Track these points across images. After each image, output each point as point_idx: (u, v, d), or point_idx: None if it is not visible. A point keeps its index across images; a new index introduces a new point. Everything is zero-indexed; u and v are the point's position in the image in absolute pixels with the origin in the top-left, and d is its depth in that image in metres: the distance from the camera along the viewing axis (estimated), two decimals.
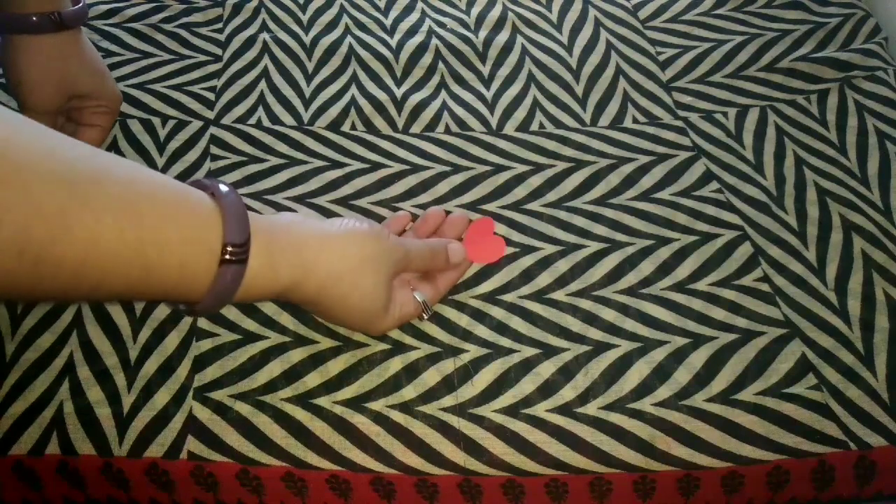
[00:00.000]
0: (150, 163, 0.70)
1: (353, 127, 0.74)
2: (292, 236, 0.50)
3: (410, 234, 0.64)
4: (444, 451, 0.55)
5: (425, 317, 0.60)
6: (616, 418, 0.56)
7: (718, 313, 0.61)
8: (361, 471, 0.55)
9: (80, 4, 0.64)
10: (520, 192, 0.69)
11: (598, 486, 0.55)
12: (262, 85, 0.78)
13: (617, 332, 0.60)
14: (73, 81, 0.66)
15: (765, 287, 0.63)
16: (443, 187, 0.69)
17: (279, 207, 0.68)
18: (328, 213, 0.67)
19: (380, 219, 0.67)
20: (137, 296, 0.44)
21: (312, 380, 0.58)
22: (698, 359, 0.59)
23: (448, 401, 0.57)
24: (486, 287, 0.63)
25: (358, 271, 0.52)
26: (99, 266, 0.39)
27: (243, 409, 0.56)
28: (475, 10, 0.87)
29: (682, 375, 0.58)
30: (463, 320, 0.61)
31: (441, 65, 0.80)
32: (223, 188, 0.46)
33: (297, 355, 0.59)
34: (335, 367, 0.58)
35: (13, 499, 0.56)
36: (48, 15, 0.61)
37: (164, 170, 0.70)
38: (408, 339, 0.60)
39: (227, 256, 0.44)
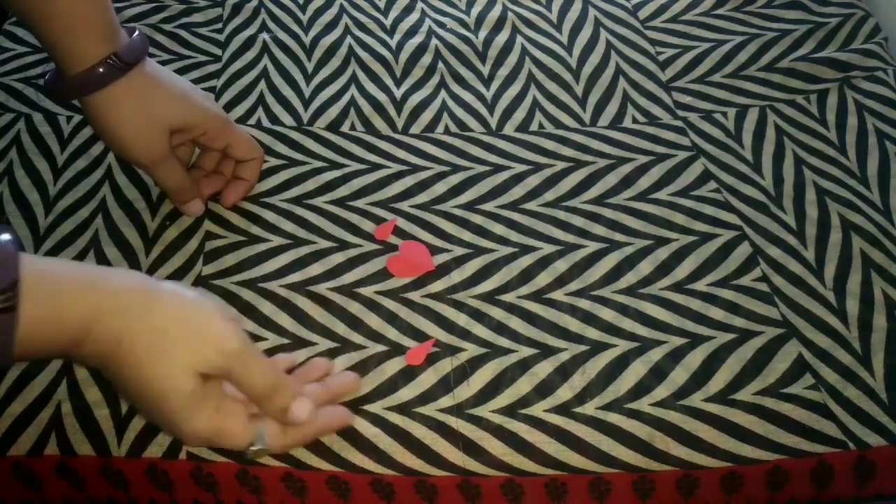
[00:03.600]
0: None
1: (353, 127, 0.74)
2: (84, 278, 0.44)
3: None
4: (442, 451, 0.55)
5: (248, 452, 0.49)
6: (614, 418, 0.56)
7: (717, 313, 0.61)
8: (361, 472, 0.55)
9: (135, 35, 0.60)
10: (518, 192, 0.69)
11: (597, 486, 0.55)
12: (262, 85, 0.78)
13: (615, 332, 0.60)
14: (163, 118, 0.61)
15: (763, 287, 0.63)
16: (440, 187, 0.69)
17: (277, 210, 0.68)
18: (326, 214, 0.67)
19: (379, 220, 0.67)
20: None
21: None
22: (695, 359, 0.59)
23: (446, 402, 0.57)
24: (485, 287, 0.63)
25: (163, 337, 0.44)
26: None
27: None
28: (475, 10, 0.87)
29: (679, 375, 0.58)
30: (461, 319, 0.61)
31: (441, 65, 0.80)
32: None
33: (295, 357, 0.59)
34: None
35: (13, 499, 0.56)
36: (106, 62, 0.57)
37: None
38: (406, 340, 0.60)
39: None
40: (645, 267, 0.64)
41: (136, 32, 0.60)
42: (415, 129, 0.74)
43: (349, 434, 0.55)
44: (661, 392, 0.57)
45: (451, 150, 0.73)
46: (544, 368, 0.58)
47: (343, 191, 0.69)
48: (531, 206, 0.69)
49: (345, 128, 0.74)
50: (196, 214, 0.66)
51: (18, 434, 0.55)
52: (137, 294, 0.44)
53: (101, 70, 0.57)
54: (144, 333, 0.43)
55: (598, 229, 0.67)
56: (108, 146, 0.63)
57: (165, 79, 0.62)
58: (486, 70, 0.80)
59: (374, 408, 0.57)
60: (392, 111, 0.76)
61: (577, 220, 0.67)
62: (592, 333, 0.60)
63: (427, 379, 0.58)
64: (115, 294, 0.43)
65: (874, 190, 0.69)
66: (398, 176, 0.70)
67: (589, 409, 0.57)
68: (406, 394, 0.57)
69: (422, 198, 0.69)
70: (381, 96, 0.77)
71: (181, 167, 0.64)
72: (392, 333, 0.60)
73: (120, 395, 0.53)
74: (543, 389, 0.57)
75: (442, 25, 0.85)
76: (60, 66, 0.58)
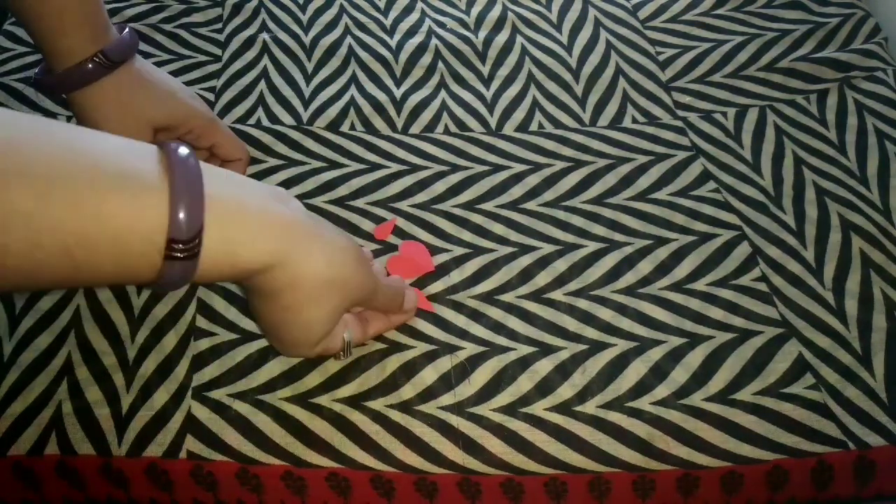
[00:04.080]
0: None
1: (353, 127, 0.74)
2: (269, 218, 0.44)
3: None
4: (443, 449, 0.55)
5: (341, 357, 0.57)
6: (615, 417, 0.56)
7: (716, 313, 0.61)
8: (361, 469, 0.55)
9: (125, 33, 0.61)
10: (517, 192, 0.70)
11: (597, 485, 0.55)
12: (262, 85, 0.78)
13: (614, 332, 0.60)
14: (146, 115, 0.62)
15: (763, 287, 0.63)
16: (440, 187, 0.70)
17: None
18: (325, 214, 0.67)
19: (378, 219, 0.67)
20: (75, 285, 0.46)
21: (312, 379, 0.58)
22: (695, 358, 0.59)
23: (446, 399, 0.57)
24: (485, 287, 0.63)
25: (328, 287, 0.48)
26: (16, 270, 0.35)
27: (242, 408, 0.56)
28: (475, 10, 0.87)
29: (679, 375, 0.58)
30: (460, 320, 0.61)
31: (441, 65, 0.81)
32: (182, 154, 0.40)
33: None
34: (334, 365, 0.58)
35: (12, 499, 0.56)
36: (92, 59, 0.58)
37: None
38: (404, 339, 0.60)
39: (173, 253, 0.38)
40: (644, 267, 0.64)
41: (126, 30, 0.61)
42: (414, 129, 0.74)
43: (350, 430, 0.56)
44: (662, 391, 0.57)
45: (451, 149, 0.73)
46: (544, 366, 0.58)
47: (343, 190, 0.69)
48: (531, 205, 0.69)
49: (344, 127, 0.74)
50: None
51: (19, 434, 0.55)
52: (304, 241, 0.46)
53: (88, 67, 0.58)
54: (307, 280, 0.46)
55: (598, 229, 0.67)
56: None
57: (153, 77, 0.62)
58: (485, 70, 0.80)
59: (376, 405, 0.57)
60: (392, 111, 0.76)
61: (577, 220, 0.67)
62: (591, 333, 0.60)
63: (428, 376, 0.58)
64: (290, 241, 0.45)
65: (874, 190, 0.69)
66: (398, 175, 0.70)
67: (589, 407, 0.57)
68: (407, 391, 0.57)
69: (421, 197, 0.69)
70: (381, 96, 0.77)
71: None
72: (390, 332, 0.60)
73: (255, 313, 0.51)
74: (544, 388, 0.57)
75: (442, 25, 0.85)
76: (49, 61, 0.59)
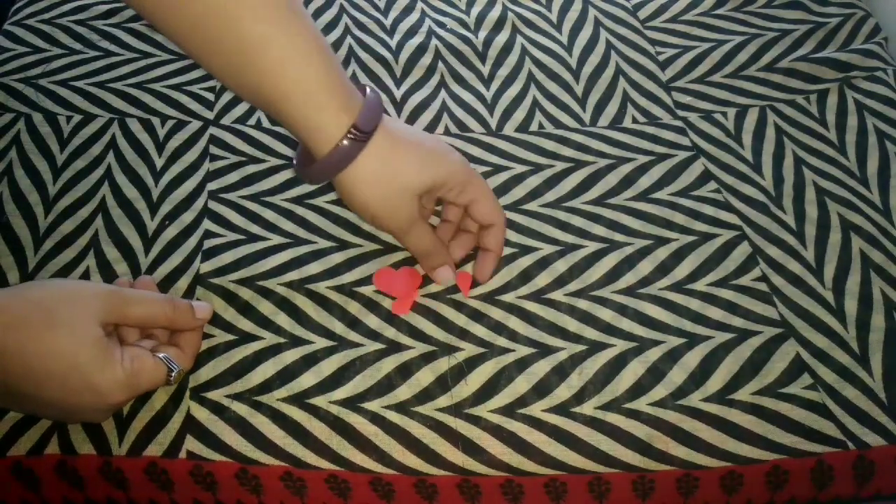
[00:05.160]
0: (149, 162, 0.70)
1: None
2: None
3: None
4: (442, 451, 0.55)
5: (171, 379, 0.55)
6: (613, 418, 0.56)
7: (715, 313, 0.61)
8: (360, 471, 0.55)
9: (369, 94, 0.57)
10: (518, 193, 0.69)
11: (596, 485, 0.55)
12: None
13: (613, 332, 0.60)
14: (410, 183, 0.57)
15: (762, 287, 0.63)
16: None
17: (277, 209, 0.68)
18: (326, 214, 0.67)
19: None
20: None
21: (307, 380, 0.58)
22: (693, 358, 0.59)
23: (443, 401, 0.57)
24: (485, 287, 0.63)
25: (72, 303, 0.50)
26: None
27: (241, 409, 0.56)
28: (475, 10, 0.87)
29: (677, 375, 0.58)
30: (461, 320, 0.61)
31: (441, 65, 0.81)
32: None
33: (290, 356, 0.59)
34: (328, 367, 0.58)
35: (12, 499, 0.56)
36: (346, 135, 0.54)
37: (163, 170, 0.70)
38: (403, 339, 0.60)
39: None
40: (644, 267, 0.64)
41: (369, 91, 0.57)
42: None
43: (348, 432, 0.56)
44: (660, 392, 0.57)
45: None
46: (542, 368, 0.58)
47: None
48: (531, 206, 0.69)
49: None
50: (448, 283, 0.63)
51: (20, 435, 0.55)
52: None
53: (344, 144, 0.54)
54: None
55: (598, 229, 0.67)
56: (359, 216, 0.60)
57: (407, 138, 0.58)
58: (486, 70, 0.80)
59: (373, 406, 0.57)
60: (392, 111, 0.76)
61: (577, 221, 0.67)
62: (590, 333, 0.60)
63: (425, 377, 0.58)
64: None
65: (874, 190, 0.69)
66: None
67: (587, 408, 0.57)
68: (404, 392, 0.57)
69: None
70: (381, 96, 0.77)
71: (430, 230, 0.61)
72: (390, 332, 0.60)
73: (13, 401, 0.52)
74: (542, 389, 0.57)
75: (442, 25, 0.85)
76: (304, 142, 0.56)
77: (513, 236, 0.66)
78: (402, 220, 0.58)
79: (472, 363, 0.59)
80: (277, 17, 0.53)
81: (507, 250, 0.65)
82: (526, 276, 0.64)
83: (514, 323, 0.61)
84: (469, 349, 0.59)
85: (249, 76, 0.54)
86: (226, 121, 0.74)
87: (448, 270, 0.62)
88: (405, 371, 0.58)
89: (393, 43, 0.83)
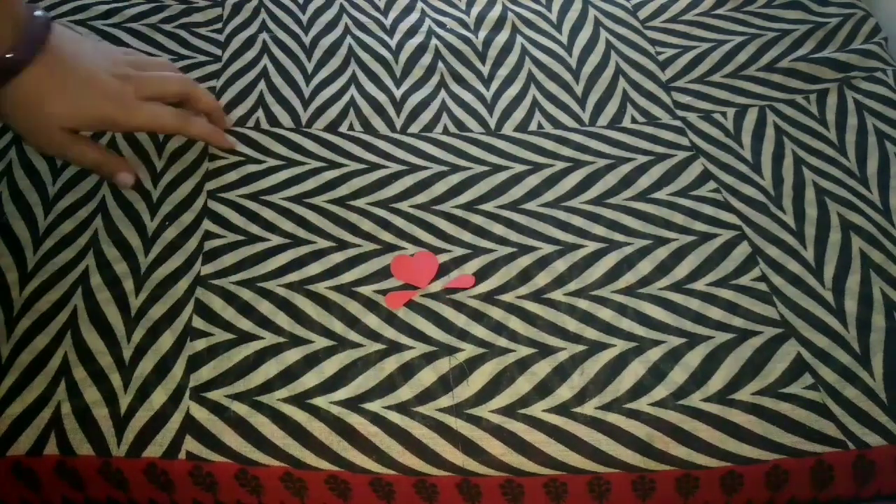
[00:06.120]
0: (149, 162, 0.70)
1: (351, 127, 0.74)
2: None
3: None
4: (442, 451, 0.55)
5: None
6: (613, 418, 0.56)
7: (715, 313, 0.61)
8: (360, 471, 0.55)
9: (36, 14, 0.59)
10: (517, 192, 0.69)
11: (597, 485, 0.55)
12: (262, 85, 0.78)
13: (613, 332, 0.60)
14: (57, 120, 0.61)
15: (762, 287, 0.63)
16: (440, 187, 0.69)
17: (276, 208, 0.68)
18: (325, 214, 0.67)
19: (378, 220, 0.67)
20: None
21: (308, 380, 0.58)
22: (694, 358, 0.59)
23: (445, 401, 0.57)
24: (484, 287, 0.63)
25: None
26: None
27: (240, 409, 0.56)
28: (475, 10, 0.87)
29: (678, 375, 0.58)
30: (460, 320, 0.61)
31: (440, 65, 0.80)
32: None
33: (292, 356, 0.59)
34: (330, 367, 0.58)
35: (12, 499, 0.56)
36: (6, 54, 0.56)
37: (164, 170, 0.70)
38: (403, 339, 0.60)
39: None
40: (644, 267, 0.64)
41: (39, 13, 0.59)
42: (414, 129, 0.74)
43: (348, 433, 0.56)
44: (660, 392, 0.57)
45: (451, 150, 0.73)
46: (543, 368, 0.58)
47: (343, 190, 0.69)
48: (531, 206, 0.69)
49: (344, 128, 0.74)
50: (127, 185, 0.66)
51: (18, 434, 0.55)
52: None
53: (7, 58, 0.56)
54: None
55: (598, 229, 0.67)
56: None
57: (66, 70, 0.60)
58: (485, 70, 0.80)
59: (374, 406, 0.57)
60: (391, 111, 0.76)
61: (577, 220, 0.67)
62: (590, 333, 0.60)
63: (426, 378, 0.58)
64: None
65: (874, 190, 0.69)
66: (398, 176, 0.70)
67: (588, 409, 0.57)
68: (405, 393, 0.57)
69: (421, 198, 0.69)
70: (381, 97, 0.77)
71: (89, 146, 0.64)
72: (390, 332, 0.60)
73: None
74: (542, 389, 0.57)
75: (442, 25, 0.85)
76: None
77: (513, 236, 0.66)
78: (54, 149, 0.62)
79: (472, 363, 0.59)
80: None
81: (507, 250, 0.65)
82: (525, 276, 0.64)
83: (514, 323, 0.61)
84: (470, 349, 0.59)
85: None
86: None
87: (125, 175, 0.65)
88: (407, 371, 0.58)
89: (393, 43, 0.83)
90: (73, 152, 0.63)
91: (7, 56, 0.56)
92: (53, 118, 0.60)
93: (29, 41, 0.57)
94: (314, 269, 0.64)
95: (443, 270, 0.64)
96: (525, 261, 0.65)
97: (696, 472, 0.55)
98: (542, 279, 0.64)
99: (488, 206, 0.68)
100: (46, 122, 0.60)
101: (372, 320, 0.61)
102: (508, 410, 0.56)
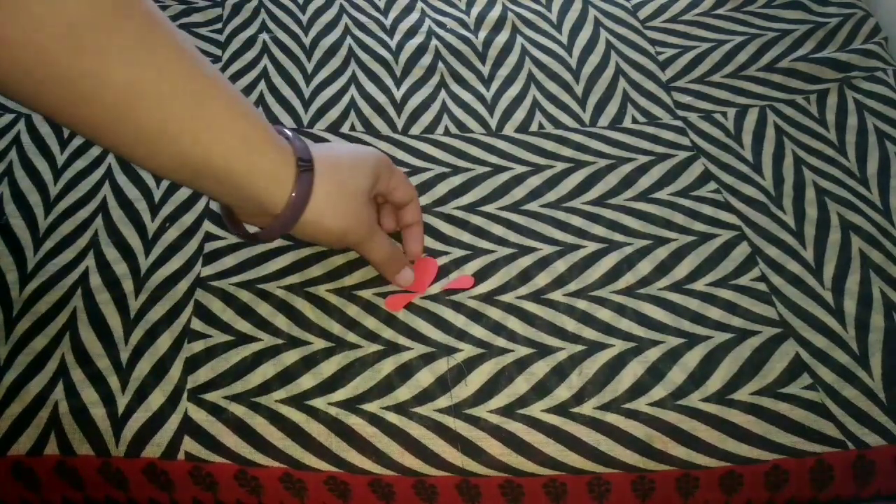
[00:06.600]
0: None
1: (353, 128, 0.74)
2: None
3: None
4: (441, 452, 0.55)
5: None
6: (612, 418, 0.56)
7: (714, 313, 0.61)
8: (359, 472, 0.55)
9: (287, 130, 0.55)
10: (518, 193, 0.69)
11: (596, 486, 0.55)
12: (262, 85, 0.78)
13: (612, 332, 0.60)
14: (361, 188, 0.57)
15: (762, 287, 0.63)
16: (441, 188, 0.69)
17: None
18: None
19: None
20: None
21: (306, 381, 0.58)
22: (692, 358, 0.59)
23: (443, 402, 0.57)
24: (484, 288, 0.63)
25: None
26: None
27: (238, 410, 0.56)
28: (475, 11, 0.87)
29: (676, 375, 0.58)
30: (459, 320, 0.61)
31: (441, 65, 0.80)
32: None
33: (289, 357, 0.59)
34: (328, 368, 0.58)
35: (12, 499, 0.56)
36: (299, 170, 0.53)
37: None
38: (402, 340, 0.60)
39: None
40: (644, 267, 0.64)
41: (285, 128, 0.56)
42: (415, 130, 0.74)
43: (347, 433, 0.56)
44: (659, 392, 0.57)
45: (451, 150, 0.73)
46: (541, 368, 0.58)
47: None
48: (531, 206, 0.69)
49: (345, 129, 0.74)
50: (409, 284, 0.63)
51: (18, 434, 0.56)
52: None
53: (302, 180, 0.53)
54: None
55: (598, 229, 0.67)
56: (324, 244, 0.64)
57: (335, 152, 0.57)
58: (486, 70, 0.80)
59: (372, 407, 0.57)
60: (392, 112, 0.76)
61: (577, 221, 0.67)
62: (589, 333, 0.60)
63: (424, 378, 0.58)
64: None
65: (874, 190, 0.69)
66: None
67: (587, 409, 0.57)
68: (403, 393, 0.57)
69: (423, 200, 0.69)
70: (381, 97, 0.77)
71: (386, 235, 0.62)
72: (388, 333, 0.60)
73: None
74: (541, 389, 0.57)
75: (442, 26, 0.85)
76: (258, 197, 0.52)
77: (512, 237, 0.66)
78: (366, 227, 0.58)
79: (471, 364, 0.59)
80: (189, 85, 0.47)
81: (507, 250, 0.65)
82: (525, 277, 0.64)
83: (513, 323, 0.61)
84: (468, 350, 0.59)
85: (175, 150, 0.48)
86: None
87: (409, 272, 0.63)
88: (405, 372, 0.58)
89: (393, 43, 0.83)
90: (377, 234, 0.60)
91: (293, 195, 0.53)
92: (363, 191, 0.58)
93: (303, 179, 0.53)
94: (315, 271, 0.64)
95: (442, 272, 0.64)
96: (525, 261, 0.65)
97: (696, 472, 0.55)
98: (541, 280, 0.64)
99: (489, 208, 0.68)
100: (357, 201, 0.57)
101: (370, 322, 0.61)
102: (507, 410, 0.56)
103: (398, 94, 0.78)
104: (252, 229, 0.58)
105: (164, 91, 0.45)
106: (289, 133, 0.54)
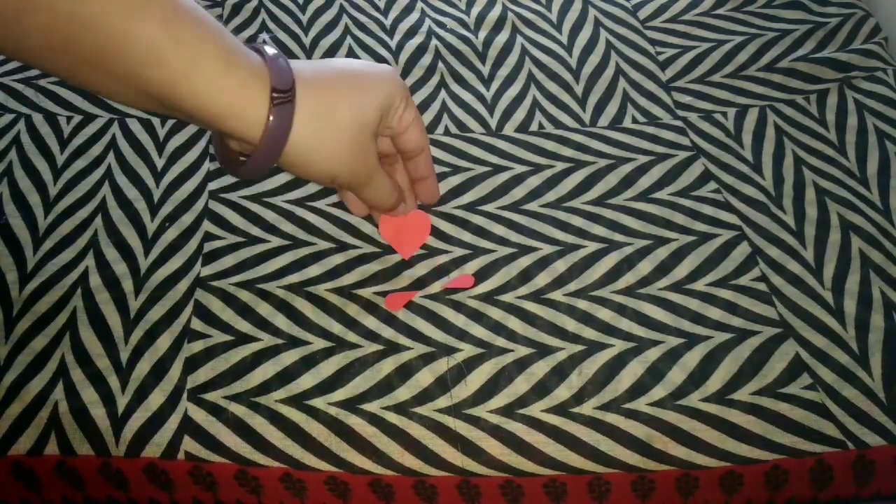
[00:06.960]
0: (149, 163, 0.70)
1: None
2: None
3: None
4: (441, 452, 0.55)
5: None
6: (612, 418, 0.56)
7: (714, 313, 0.61)
8: (359, 472, 0.55)
9: (264, 47, 0.49)
10: (518, 193, 0.69)
11: (596, 486, 0.55)
12: None
13: (612, 332, 0.60)
14: (362, 121, 0.51)
15: (762, 287, 0.63)
16: (441, 188, 0.69)
17: (278, 210, 0.68)
18: (327, 216, 0.67)
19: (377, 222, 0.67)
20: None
21: (305, 381, 0.58)
22: (692, 358, 0.59)
23: (443, 402, 0.57)
24: (484, 288, 0.63)
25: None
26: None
27: (238, 410, 0.56)
28: (475, 11, 0.87)
29: (676, 375, 0.58)
30: (459, 320, 0.61)
31: (441, 65, 0.81)
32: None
33: (289, 357, 0.59)
34: (328, 368, 0.58)
35: (12, 499, 0.56)
36: (272, 103, 0.46)
37: (164, 170, 0.70)
38: (402, 339, 0.60)
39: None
40: (644, 267, 0.64)
41: (261, 39, 0.53)
42: None
43: (347, 433, 0.56)
44: (659, 392, 0.57)
45: (452, 150, 0.73)
46: (541, 368, 0.58)
47: None
48: (531, 206, 0.68)
49: None
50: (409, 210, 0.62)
51: (18, 434, 0.56)
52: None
53: (273, 121, 0.46)
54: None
55: (598, 229, 0.67)
56: (318, 182, 0.60)
57: (334, 77, 0.51)
58: (486, 70, 0.80)
59: (372, 407, 0.57)
60: None
61: (577, 221, 0.67)
62: (589, 333, 0.60)
63: (424, 378, 0.58)
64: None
65: (874, 190, 0.69)
66: None
67: (587, 409, 0.57)
68: (403, 393, 0.57)
69: None
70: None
71: (389, 176, 0.57)
72: (388, 333, 0.60)
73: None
74: (541, 389, 0.57)
75: (442, 26, 0.85)
76: (231, 133, 0.48)
77: (513, 236, 0.66)
78: (364, 169, 0.53)
79: (471, 364, 0.59)
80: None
81: (507, 250, 0.65)
82: (525, 277, 0.64)
83: (513, 323, 0.61)
84: (468, 350, 0.59)
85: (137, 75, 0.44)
86: None
87: (409, 204, 0.62)
88: (404, 372, 0.58)
89: (393, 43, 0.83)
90: (378, 175, 0.55)
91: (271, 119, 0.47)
92: (364, 125, 0.51)
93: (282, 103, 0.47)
94: (314, 270, 0.64)
95: (443, 271, 0.64)
96: (525, 261, 0.65)
97: (696, 472, 0.55)
98: (541, 279, 0.64)
99: (489, 207, 0.68)
100: (355, 137, 0.51)
101: (371, 321, 0.61)
102: (507, 410, 0.56)
103: None
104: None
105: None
106: (270, 52, 0.48)
